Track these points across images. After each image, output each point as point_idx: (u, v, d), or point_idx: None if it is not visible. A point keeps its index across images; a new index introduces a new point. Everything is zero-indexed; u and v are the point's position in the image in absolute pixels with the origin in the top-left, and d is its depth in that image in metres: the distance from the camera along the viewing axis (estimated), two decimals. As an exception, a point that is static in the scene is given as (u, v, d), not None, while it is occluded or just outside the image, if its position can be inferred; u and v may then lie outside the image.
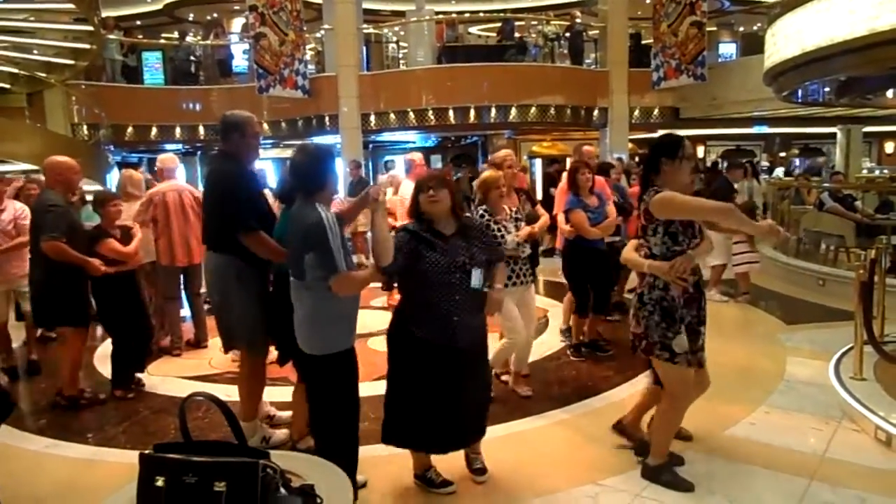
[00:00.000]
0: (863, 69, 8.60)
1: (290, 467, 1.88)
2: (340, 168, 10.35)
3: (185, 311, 6.22)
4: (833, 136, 18.87)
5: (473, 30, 19.39)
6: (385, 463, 3.48)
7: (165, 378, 5.02)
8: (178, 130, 14.28)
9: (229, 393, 4.25)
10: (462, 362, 3.08)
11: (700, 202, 3.01)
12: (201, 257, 5.87)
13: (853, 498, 3.06)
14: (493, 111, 13.05)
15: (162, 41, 17.07)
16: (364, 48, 14.14)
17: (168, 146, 14.35)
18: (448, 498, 3.19)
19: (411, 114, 13.07)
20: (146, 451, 1.78)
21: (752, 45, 15.69)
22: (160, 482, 1.70)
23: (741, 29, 20.33)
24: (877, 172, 16.88)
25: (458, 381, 3.09)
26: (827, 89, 11.11)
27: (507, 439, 3.78)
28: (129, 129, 13.65)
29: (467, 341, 3.08)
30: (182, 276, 5.87)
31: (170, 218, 5.58)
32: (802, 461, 3.43)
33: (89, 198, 5.59)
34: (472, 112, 13.02)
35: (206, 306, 5.73)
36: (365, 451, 3.56)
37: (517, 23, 15.26)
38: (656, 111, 14.62)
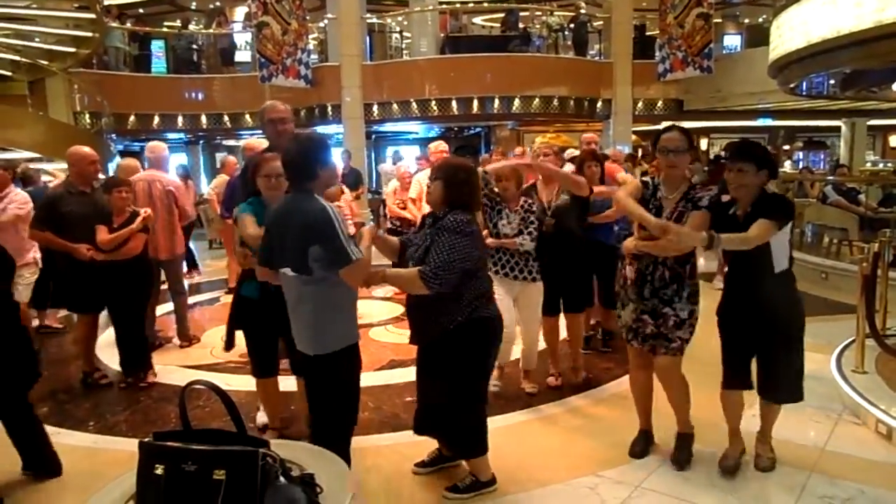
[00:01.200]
0: (868, 62, 8.55)
1: (290, 456, 1.88)
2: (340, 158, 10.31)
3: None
4: (837, 129, 18.80)
5: (477, 20, 19.27)
6: (387, 451, 3.51)
7: (167, 367, 5.02)
8: (180, 119, 14.23)
9: (229, 382, 4.29)
10: (418, 355, 3.15)
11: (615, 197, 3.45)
12: (173, 252, 5.57)
13: (853, 490, 3.06)
14: (497, 102, 12.99)
15: (164, 30, 17.01)
16: (367, 38, 14.07)
17: (170, 135, 14.31)
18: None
19: (414, 104, 13.01)
20: (146, 439, 1.78)
21: (758, 36, 15.58)
22: (160, 470, 1.70)
23: (746, 21, 20.18)
24: (881, 166, 16.77)
25: (419, 371, 3.18)
26: (832, 82, 11.05)
27: (508, 430, 3.78)
28: (132, 118, 13.60)
29: (415, 335, 3.08)
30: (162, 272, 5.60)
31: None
32: (803, 454, 3.44)
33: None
34: (476, 103, 12.98)
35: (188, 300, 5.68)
36: (367, 440, 3.59)
37: (521, 13, 15.16)
38: (660, 103, 14.55)
